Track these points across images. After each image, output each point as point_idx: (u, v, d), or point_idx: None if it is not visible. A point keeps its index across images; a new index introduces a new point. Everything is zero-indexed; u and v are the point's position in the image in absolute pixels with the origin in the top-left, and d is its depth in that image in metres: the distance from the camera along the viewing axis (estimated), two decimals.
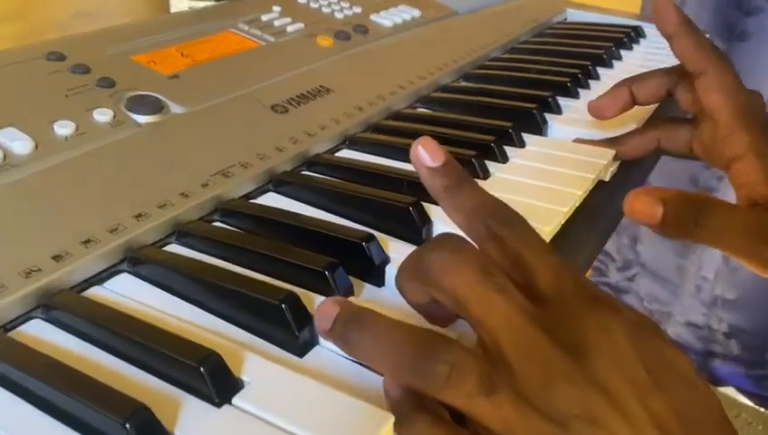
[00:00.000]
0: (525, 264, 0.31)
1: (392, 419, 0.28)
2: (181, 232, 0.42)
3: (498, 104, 0.62)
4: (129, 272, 0.39)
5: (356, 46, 0.69)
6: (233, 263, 0.39)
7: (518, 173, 0.50)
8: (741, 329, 1.39)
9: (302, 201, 0.47)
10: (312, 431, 0.27)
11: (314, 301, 0.36)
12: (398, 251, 0.40)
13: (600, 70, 0.74)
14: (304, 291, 0.36)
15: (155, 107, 0.51)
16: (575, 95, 0.66)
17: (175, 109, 0.52)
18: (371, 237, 0.39)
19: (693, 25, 0.49)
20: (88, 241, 0.38)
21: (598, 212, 0.49)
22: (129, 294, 0.37)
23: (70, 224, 0.39)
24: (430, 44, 0.76)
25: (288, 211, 0.44)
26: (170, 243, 0.42)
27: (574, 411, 0.26)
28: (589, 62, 0.74)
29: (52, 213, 0.40)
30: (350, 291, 0.37)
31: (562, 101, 0.64)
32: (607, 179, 0.53)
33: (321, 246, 0.39)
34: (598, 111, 0.55)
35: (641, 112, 0.58)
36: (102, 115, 0.48)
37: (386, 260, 0.39)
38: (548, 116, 0.60)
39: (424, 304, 0.32)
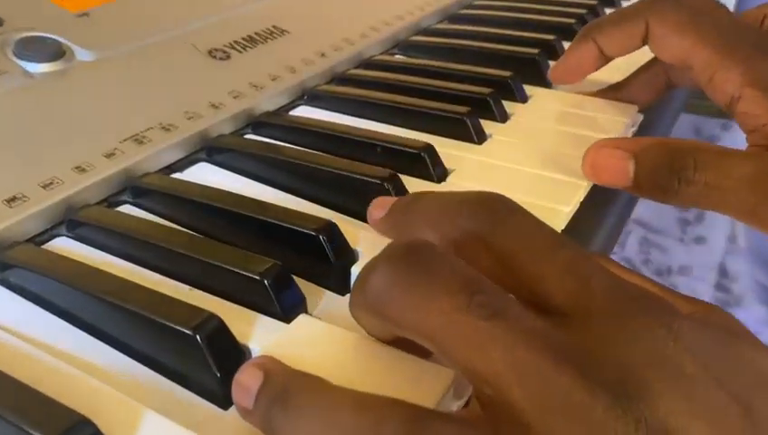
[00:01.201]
0: (526, 269, 0.21)
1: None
2: (73, 221, 0.31)
3: (492, 50, 0.50)
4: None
5: None
6: (129, 258, 0.29)
7: (521, 135, 0.40)
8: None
9: (243, 174, 0.36)
10: None
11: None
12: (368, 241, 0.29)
13: (609, 11, 0.63)
14: None
15: (53, 52, 0.39)
16: None
17: (81, 55, 0.40)
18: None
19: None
20: None
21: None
22: None
23: None
24: None
25: (216, 191, 0.33)
26: (60, 235, 0.31)
27: None
28: (596, 1, 0.63)
29: None
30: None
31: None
32: None
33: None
34: (563, 76, 0.42)
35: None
36: None
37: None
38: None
39: (392, 342, 0.22)
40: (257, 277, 0.26)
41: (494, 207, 0.22)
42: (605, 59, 0.40)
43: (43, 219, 0.30)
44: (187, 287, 0.27)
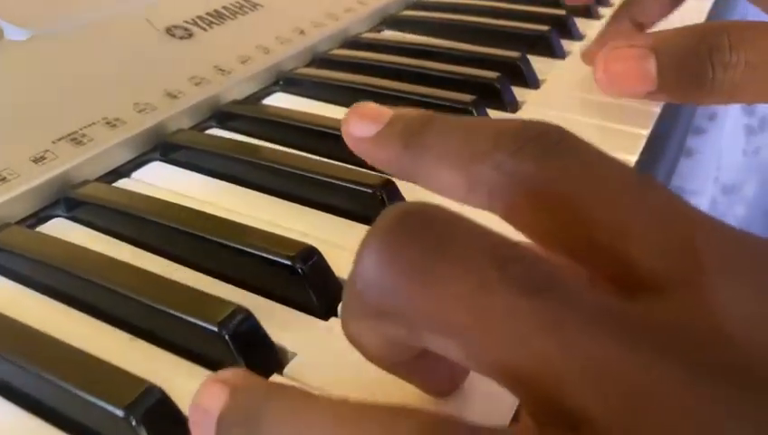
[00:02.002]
0: (598, 226, 0.14)
1: None
2: None
3: (495, 26, 0.44)
4: None
5: None
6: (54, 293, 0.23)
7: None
8: None
9: (206, 174, 0.30)
10: None
11: None
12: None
13: None
14: None
15: None
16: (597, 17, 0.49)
17: (13, 33, 0.33)
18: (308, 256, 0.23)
19: None
20: None
21: None
22: None
23: None
24: None
25: (167, 205, 0.27)
26: None
27: None
28: None
29: None
30: None
31: (582, 23, 0.46)
32: None
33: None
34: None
35: None
36: None
37: None
38: (565, 43, 0.43)
39: (395, 361, 0.16)
40: (215, 329, 0.20)
41: (547, 139, 0.16)
42: (640, 30, 0.35)
43: None
44: (128, 337, 0.21)
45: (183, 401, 0.18)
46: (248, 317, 0.20)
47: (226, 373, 0.15)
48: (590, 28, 0.45)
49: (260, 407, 0.14)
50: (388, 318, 0.14)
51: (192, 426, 0.15)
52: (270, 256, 0.23)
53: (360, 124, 0.19)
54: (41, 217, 0.27)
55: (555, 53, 0.42)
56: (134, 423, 0.17)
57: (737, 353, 0.13)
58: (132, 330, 0.21)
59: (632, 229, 0.14)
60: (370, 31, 0.45)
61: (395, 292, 0.14)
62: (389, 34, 0.46)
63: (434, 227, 0.14)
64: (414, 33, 0.46)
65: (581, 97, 0.36)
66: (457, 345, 0.14)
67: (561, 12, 0.45)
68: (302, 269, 0.22)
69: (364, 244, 0.14)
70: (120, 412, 0.17)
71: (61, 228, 0.26)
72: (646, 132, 0.32)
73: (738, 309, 0.13)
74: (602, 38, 0.37)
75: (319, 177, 0.27)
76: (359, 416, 0.13)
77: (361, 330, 0.16)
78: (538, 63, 0.39)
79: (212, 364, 0.20)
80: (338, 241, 0.25)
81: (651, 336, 0.13)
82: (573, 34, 0.44)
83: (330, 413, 0.14)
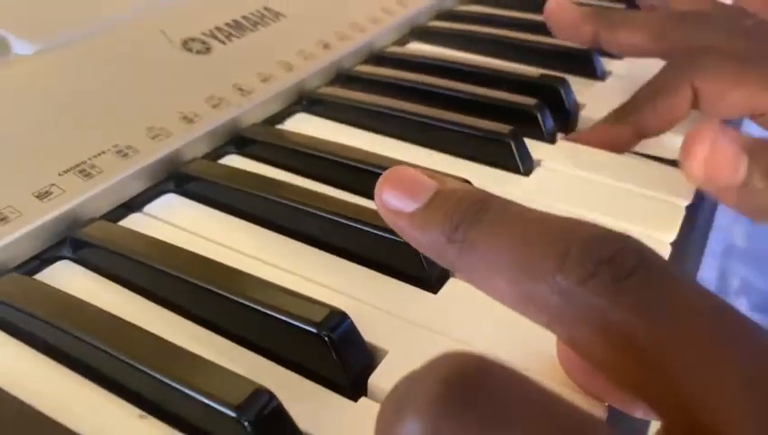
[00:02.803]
0: (685, 383, 0.13)
1: None
2: None
3: (531, 42, 0.42)
4: None
5: None
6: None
7: (577, 162, 0.31)
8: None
9: (223, 210, 0.28)
10: None
11: None
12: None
13: None
14: None
15: None
16: None
17: (19, 48, 0.31)
18: None
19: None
20: None
21: None
22: None
23: None
24: None
25: (182, 253, 0.24)
26: None
27: None
28: None
29: None
30: None
31: None
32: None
33: None
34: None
35: None
36: None
37: None
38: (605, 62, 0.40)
39: None
40: (233, 414, 0.18)
41: (622, 265, 0.14)
42: (640, 138, 0.32)
43: None
44: (138, 413, 0.19)
45: None
46: (271, 399, 0.18)
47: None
48: None
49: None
50: None
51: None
52: (292, 321, 0.21)
53: (396, 197, 0.17)
54: (45, 258, 0.25)
55: (596, 73, 0.39)
56: None
57: None
58: (141, 404, 0.19)
59: (717, 394, 0.12)
60: (397, 43, 0.43)
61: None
62: (416, 48, 0.43)
63: (494, 402, 0.12)
64: (443, 46, 0.43)
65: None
66: None
67: None
68: (329, 338, 0.20)
69: (400, 413, 0.12)
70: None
71: (66, 274, 0.24)
72: (684, 204, 0.29)
73: None
74: (593, 141, 0.33)
75: (351, 223, 0.25)
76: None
77: None
78: (576, 85, 0.37)
79: None
80: (372, 301, 0.23)
81: None
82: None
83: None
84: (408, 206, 0.17)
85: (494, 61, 0.40)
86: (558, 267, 0.14)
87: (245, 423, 0.18)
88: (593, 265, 0.14)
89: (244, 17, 0.38)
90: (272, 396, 0.18)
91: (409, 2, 0.45)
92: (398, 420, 0.12)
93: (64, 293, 0.23)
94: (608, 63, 0.40)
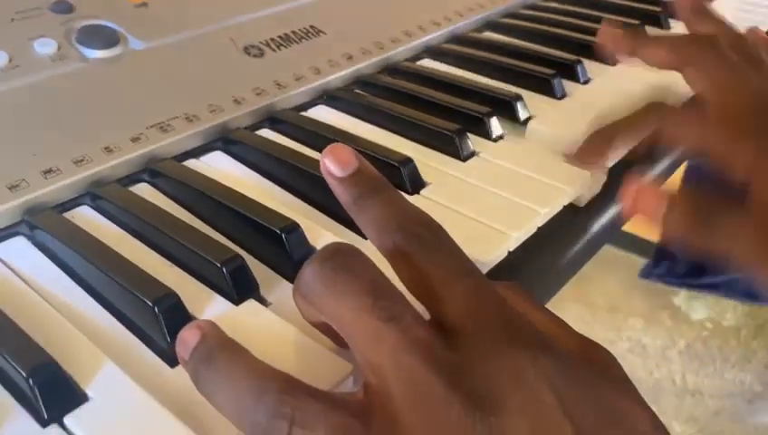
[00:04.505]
0: (432, 288, 0.25)
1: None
2: (94, 194, 0.37)
3: (512, 66, 0.53)
4: (25, 235, 0.35)
5: None
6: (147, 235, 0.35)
7: (503, 156, 0.43)
8: None
9: (252, 168, 0.41)
10: None
11: None
12: None
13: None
14: None
15: (109, 40, 0.45)
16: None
17: (134, 44, 0.46)
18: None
19: None
20: None
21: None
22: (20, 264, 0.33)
23: None
24: None
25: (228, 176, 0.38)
26: (84, 204, 0.37)
27: None
28: (639, 22, 0.64)
29: None
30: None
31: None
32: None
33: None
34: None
35: None
36: (44, 46, 0.43)
37: None
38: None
39: (319, 323, 0.27)
40: (218, 264, 0.31)
41: (425, 232, 0.26)
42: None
43: (70, 191, 0.37)
44: (169, 263, 0.33)
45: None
46: (236, 258, 0.31)
47: (204, 322, 0.26)
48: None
49: (216, 348, 0.25)
50: (316, 308, 0.25)
51: (177, 351, 0.25)
52: (264, 223, 0.34)
53: (333, 163, 0.29)
54: (132, 179, 0.39)
55: (556, 94, 0.50)
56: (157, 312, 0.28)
57: (483, 384, 0.22)
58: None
59: (448, 298, 0.25)
60: (411, 60, 0.56)
61: (317, 295, 0.25)
62: (424, 64, 0.55)
63: (349, 265, 0.24)
64: (448, 64, 0.55)
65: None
66: (342, 333, 0.24)
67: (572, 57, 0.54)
68: (287, 239, 0.33)
69: (308, 261, 0.25)
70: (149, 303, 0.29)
71: (146, 191, 0.39)
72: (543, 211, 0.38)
73: (485, 358, 0.23)
74: (590, 149, 0.42)
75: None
76: (266, 369, 0.24)
77: (298, 302, 0.26)
78: (537, 101, 0.48)
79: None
80: (321, 223, 0.36)
81: (438, 362, 0.22)
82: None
83: (251, 362, 0.24)
84: (338, 172, 0.30)
85: (480, 78, 0.52)
86: (399, 227, 0.26)
87: (224, 271, 0.31)
88: (413, 224, 0.27)
89: (293, 32, 0.52)
90: (239, 258, 0.31)
91: (429, 27, 0.58)
92: (306, 262, 0.25)
93: (146, 200, 0.37)
94: (567, 86, 0.51)
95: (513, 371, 0.23)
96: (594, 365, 0.25)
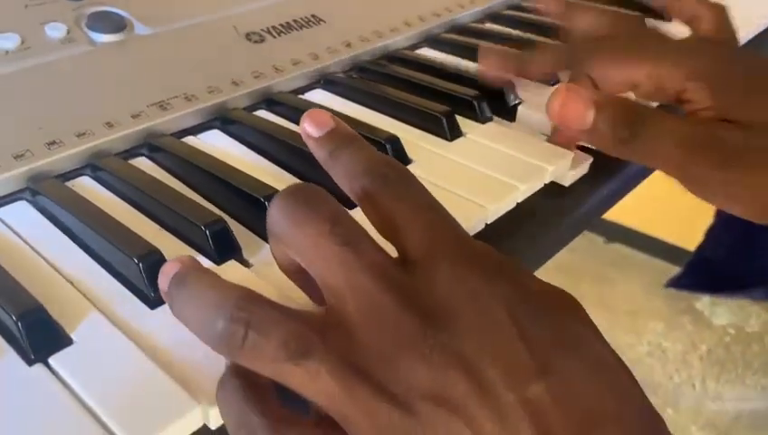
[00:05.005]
0: (395, 222, 0.26)
1: (197, 408, 0.25)
2: (95, 166, 0.39)
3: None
4: (27, 200, 0.37)
5: None
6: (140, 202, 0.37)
7: (491, 137, 0.44)
8: None
9: (248, 145, 0.43)
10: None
11: None
12: None
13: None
14: None
15: (116, 25, 0.48)
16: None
17: (140, 29, 0.48)
18: None
19: None
20: None
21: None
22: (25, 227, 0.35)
23: None
24: None
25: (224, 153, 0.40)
26: (84, 174, 0.40)
27: (423, 391, 0.22)
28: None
29: None
30: None
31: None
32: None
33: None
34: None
35: None
36: (55, 30, 0.45)
37: None
38: None
39: (293, 271, 0.29)
40: (201, 226, 0.33)
41: (390, 172, 0.28)
42: None
43: (72, 161, 0.39)
44: (158, 228, 0.35)
45: None
46: (218, 222, 0.33)
47: (183, 257, 0.27)
48: None
49: (190, 270, 0.26)
50: (282, 243, 0.26)
51: (159, 282, 0.27)
52: (248, 191, 0.35)
53: (310, 125, 0.31)
54: (132, 153, 0.41)
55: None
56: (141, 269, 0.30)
57: (437, 304, 0.23)
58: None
59: (406, 228, 0.26)
60: (410, 48, 0.57)
61: (281, 227, 0.26)
62: (422, 52, 0.57)
63: (310, 199, 0.26)
64: (446, 53, 0.57)
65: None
66: (302, 261, 0.26)
67: None
68: (265, 201, 0.35)
69: (273, 199, 0.26)
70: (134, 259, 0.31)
71: (144, 164, 0.41)
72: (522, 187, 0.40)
73: (439, 278, 0.24)
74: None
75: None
76: (229, 286, 0.25)
77: (274, 250, 0.28)
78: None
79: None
80: None
81: (392, 282, 0.24)
82: None
83: (216, 282, 0.25)
84: (315, 132, 0.32)
85: (476, 65, 0.53)
86: (365, 171, 0.28)
87: (207, 232, 0.33)
88: (378, 172, 0.28)
89: (294, 20, 0.54)
90: (222, 221, 0.33)
91: (429, 17, 0.59)
92: (272, 201, 0.26)
93: (145, 172, 0.39)
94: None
95: (468, 291, 0.24)
96: (556, 300, 0.25)
